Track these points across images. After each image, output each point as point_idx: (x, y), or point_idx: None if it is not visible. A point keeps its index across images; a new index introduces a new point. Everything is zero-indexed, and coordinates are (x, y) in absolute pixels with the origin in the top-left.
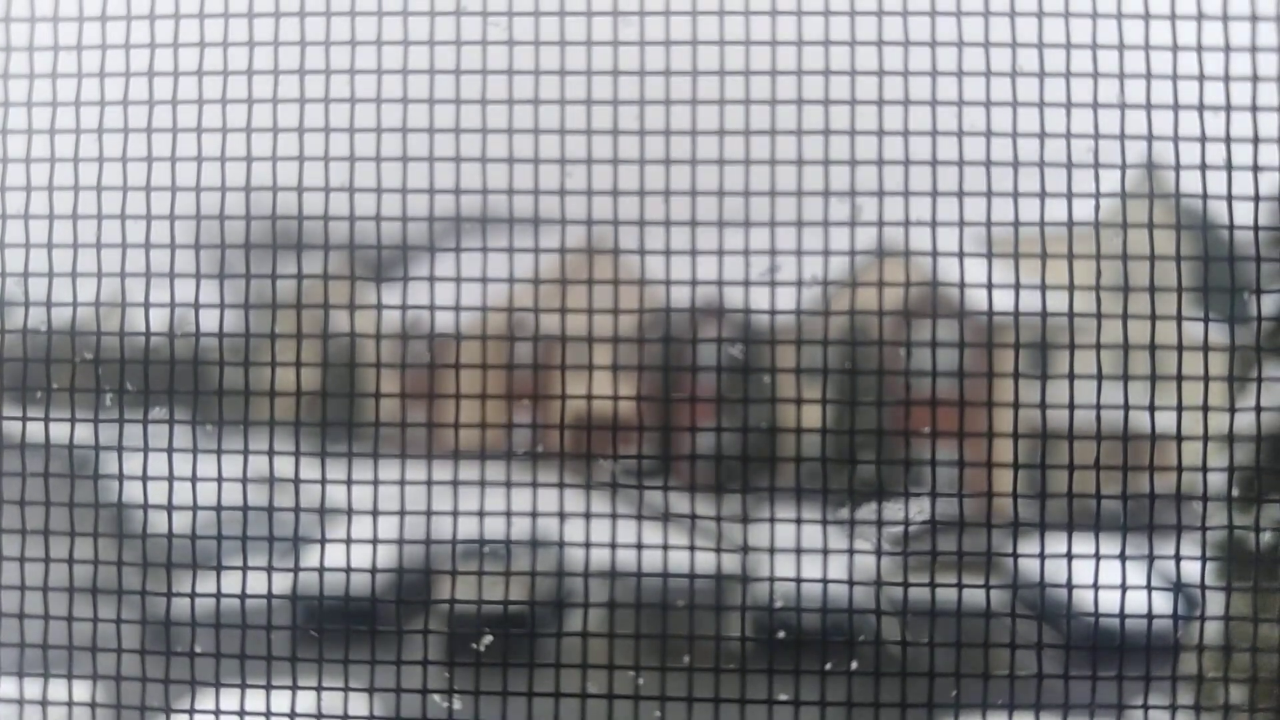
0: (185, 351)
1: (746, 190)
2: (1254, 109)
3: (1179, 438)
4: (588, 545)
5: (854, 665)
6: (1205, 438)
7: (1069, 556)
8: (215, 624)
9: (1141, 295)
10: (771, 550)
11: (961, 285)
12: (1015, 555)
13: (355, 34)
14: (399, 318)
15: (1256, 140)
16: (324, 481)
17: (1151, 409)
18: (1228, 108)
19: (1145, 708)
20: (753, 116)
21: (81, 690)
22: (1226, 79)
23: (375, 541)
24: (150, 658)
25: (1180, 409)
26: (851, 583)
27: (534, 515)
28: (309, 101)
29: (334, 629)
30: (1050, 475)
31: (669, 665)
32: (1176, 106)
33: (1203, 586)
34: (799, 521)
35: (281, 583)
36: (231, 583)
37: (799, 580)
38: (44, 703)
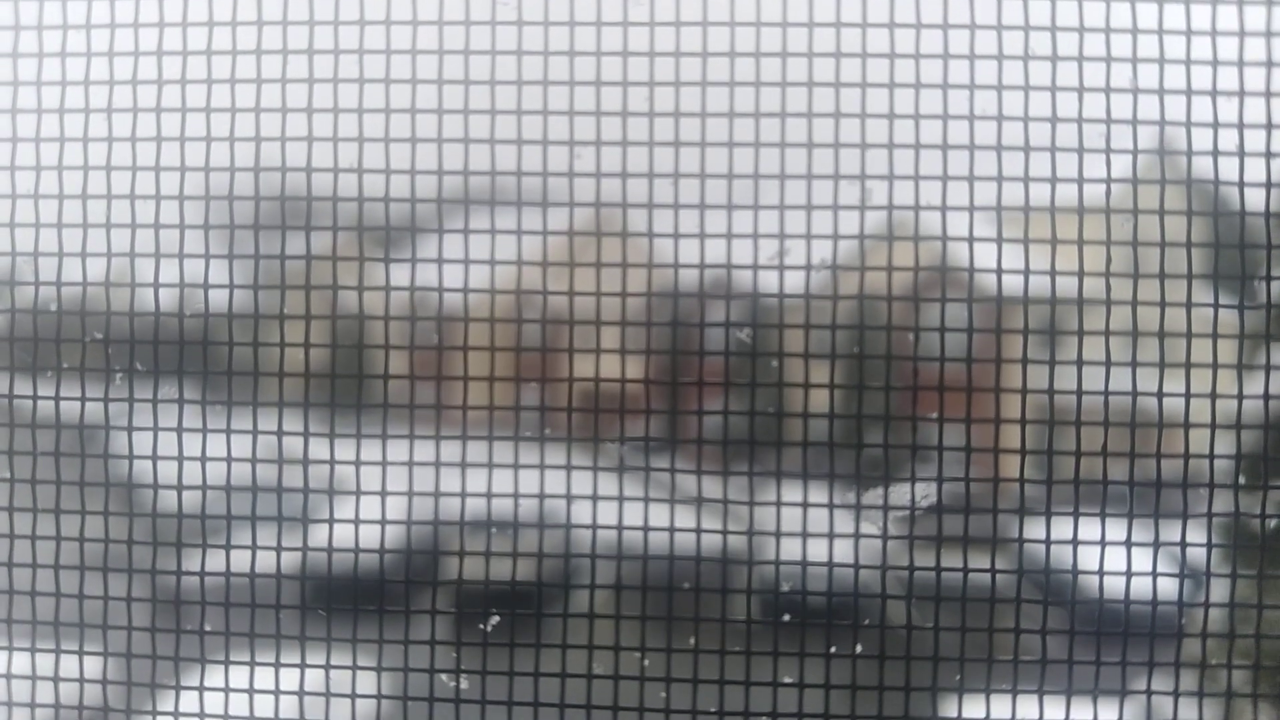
0: (194, 331)
1: (756, 173)
2: (1268, 94)
3: (1186, 423)
4: (594, 526)
5: (859, 648)
6: (1213, 424)
7: (1075, 541)
8: (224, 602)
9: (1151, 280)
10: (778, 533)
11: (971, 269)
12: (1021, 540)
13: (364, 14)
14: (407, 299)
15: (1269, 126)
16: (332, 461)
17: (1160, 394)
18: (1241, 93)
19: (1149, 693)
20: (763, 99)
21: (92, 666)
22: (1240, 64)
23: (383, 521)
24: (160, 634)
25: (1188, 395)
26: (857, 566)
27: (541, 496)
28: (318, 82)
29: (342, 608)
30: (1057, 460)
31: (675, 647)
32: (1189, 91)
33: (1208, 572)
34: (805, 505)
35: (290, 561)
36: (240, 561)
37: (805, 563)
38: (56, 679)
